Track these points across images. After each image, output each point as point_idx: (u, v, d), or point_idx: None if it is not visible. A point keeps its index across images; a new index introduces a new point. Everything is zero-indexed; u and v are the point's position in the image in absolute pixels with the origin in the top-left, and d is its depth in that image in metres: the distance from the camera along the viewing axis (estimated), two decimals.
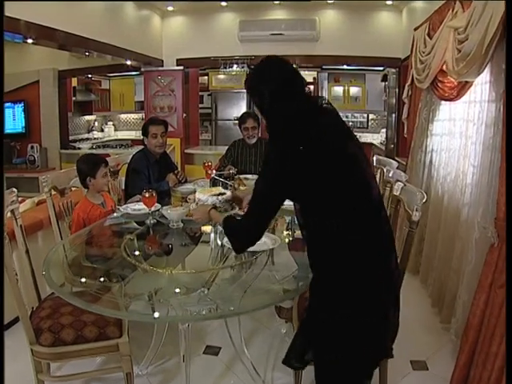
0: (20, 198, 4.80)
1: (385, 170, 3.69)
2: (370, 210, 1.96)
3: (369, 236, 1.93)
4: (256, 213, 2.16)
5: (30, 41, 5.09)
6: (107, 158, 4.28)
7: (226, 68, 8.02)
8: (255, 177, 4.62)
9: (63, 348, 2.51)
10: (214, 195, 2.76)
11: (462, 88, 3.67)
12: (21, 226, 2.83)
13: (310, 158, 1.89)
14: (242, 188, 3.61)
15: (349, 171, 1.94)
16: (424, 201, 2.38)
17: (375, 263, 1.93)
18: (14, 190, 2.86)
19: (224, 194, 2.80)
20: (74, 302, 2.27)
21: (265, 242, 2.73)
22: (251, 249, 2.61)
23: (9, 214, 2.75)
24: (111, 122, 11.84)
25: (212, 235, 2.99)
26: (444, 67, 4.03)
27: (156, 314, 2.18)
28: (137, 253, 2.87)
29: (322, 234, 1.97)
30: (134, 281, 2.58)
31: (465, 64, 3.25)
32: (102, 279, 2.60)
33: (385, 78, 9.17)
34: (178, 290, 2.46)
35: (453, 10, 3.82)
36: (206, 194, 2.75)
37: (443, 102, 4.46)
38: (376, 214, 1.98)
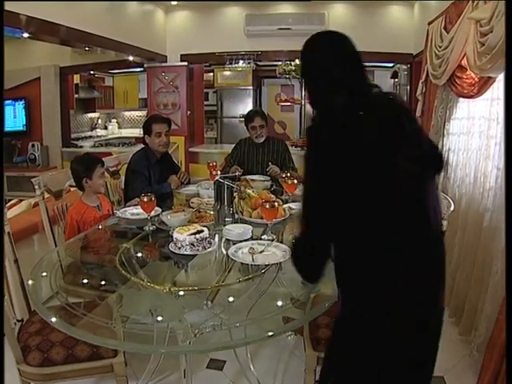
0: (16, 200, 4.68)
1: None
2: (418, 234, 1.68)
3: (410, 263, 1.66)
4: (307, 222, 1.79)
5: (25, 35, 4.89)
6: (108, 157, 4.12)
7: (231, 64, 7.80)
8: (262, 178, 4.46)
9: (53, 368, 2.33)
10: (192, 234, 2.56)
11: (484, 84, 3.45)
12: (8, 233, 2.62)
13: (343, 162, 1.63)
14: (248, 190, 3.40)
15: (388, 188, 1.65)
16: (452, 209, 2.16)
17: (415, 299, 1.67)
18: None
19: (202, 231, 2.59)
20: (58, 326, 2.04)
21: (274, 252, 2.52)
22: (258, 262, 2.42)
23: None
24: (115, 120, 11.68)
25: (216, 243, 2.76)
26: (463, 62, 3.82)
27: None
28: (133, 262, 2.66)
29: (352, 253, 1.72)
30: (129, 296, 2.36)
31: (489, 58, 3.04)
32: (97, 290, 2.42)
33: (394, 75, 8.97)
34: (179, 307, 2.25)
35: (473, 1, 3.60)
36: (183, 234, 2.55)
37: (461, 100, 4.25)
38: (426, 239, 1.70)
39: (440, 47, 4.46)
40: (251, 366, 3.07)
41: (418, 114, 5.49)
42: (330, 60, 1.81)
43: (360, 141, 1.65)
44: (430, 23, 5.13)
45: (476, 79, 3.62)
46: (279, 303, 2.24)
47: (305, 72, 1.98)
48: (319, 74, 1.83)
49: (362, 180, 1.63)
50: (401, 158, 1.66)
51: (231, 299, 2.29)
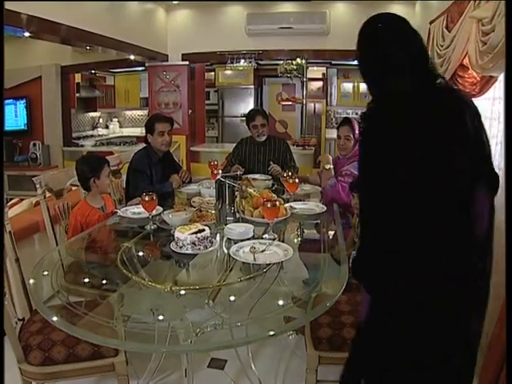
0: (17, 199, 4.68)
1: None
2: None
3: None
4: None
5: (27, 34, 4.88)
6: (109, 156, 4.11)
7: (232, 63, 7.80)
8: (264, 177, 4.45)
9: (54, 367, 2.31)
10: (193, 233, 2.55)
11: (486, 83, 3.43)
12: (10, 232, 2.62)
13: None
14: (249, 189, 3.40)
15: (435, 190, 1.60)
16: None
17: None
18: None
19: (203, 230, 2.58)
20: (59, 325, 2.02)
21: (275, 252, 2.52)
22: (260, 261, 2.42)
23: None
24: (116, 119, 11.68)
25: (217, 242, 2.76)
26: (465, 61, 3.81)
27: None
28: (135, 261, 2.65)
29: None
30: (130, 295, 2.36)
31: (491, 57, 3.03)
32: (98, 289, 2.42)
33: None
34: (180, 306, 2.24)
35: (475, 0, 3.59)
36: (184, 233, 2.54)
37: None
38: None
39: (441, 46, 4.44)
40: (252, 366, 3.05)
41: None
42: (392, 45, 1.74)
43: (416, 135, 1.61)
44: (431, 22, 5.12)
45: (478, 78, 3.60)
46: (280, 302, 2.23)
47: (364, 56, 1.88)
48: (379, 59, 1.77)
49: (411, 172, 1.59)
50: (455, 158, 1.62)
51: (232, 298, 2.28)
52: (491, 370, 2.64)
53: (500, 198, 3.18)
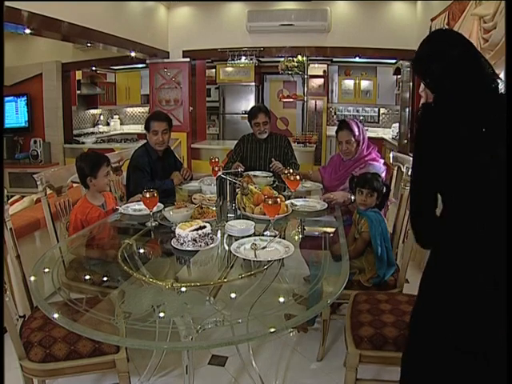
0: (18, 196, 4.68)
1: (403, 168, 3.46)
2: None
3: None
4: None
5: (27, 31, 4.87)
6: (110, 153, 4.08)
7: (233, 60, 7.79)
8: (265, 174, 4.45)
9: (55, 364, 2.30)
10: (194, 230, 2.54)
11: None
12: (10, 229, 2.61)
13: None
14: (250, 186, 3.39)
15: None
16: None
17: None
18: (4, 189, 2.64)
19: (204, 227, 2.58)
20: (60, 322, 2.02)
21: (276, 249, 2.52)
22: (261, 258, 2.42)
23: None
24: (117, 116, 11.68)
25: (218, 239, 2.75)
26: None
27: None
28: (136, 257, 2.65)
29: None
30: (131, 292, 2.35)
31: (492, 54, 3.04)
32: (99, 286, 2.43)
33: (397, 72, 8.96)
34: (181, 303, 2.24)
35: None
36: (185, 229, 2.54)
37: None
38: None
39: None
40: (253, 362, 3.03)
41: None
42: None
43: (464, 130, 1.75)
44: (432, 19, 5.12)
45: None
46: (281, 299, 2.23)
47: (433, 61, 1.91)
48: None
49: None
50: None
51: (233, 295, 2.27)
52: None
53: None
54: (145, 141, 4.36)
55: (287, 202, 3.45)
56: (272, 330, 1.91)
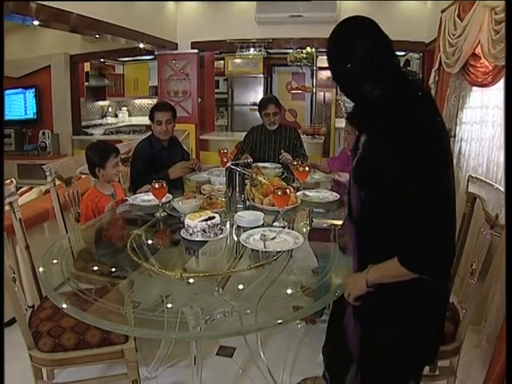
0: (27, 187, 4.69)
1: None
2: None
3: None
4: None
5: (36, 23, 4.86)
6: (119, 145, 4.07)
7: (242, 51, 7.75)
8: (274, 165, 4.43)
9: (64, 354, 2.31)
10: (204, 220, 2.53)
11: (499, 73, 3.40)
12: (20, 219, 2.62)
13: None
14: (259, 177, 3.38)
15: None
16: None
17: None
18: (13, 180, 2.64)
19: (213, 217, 2.56)
20: (69, 311, 2.04)
21: (285, 239, 2.50)
22: (270, 249, 2.41)
23: (7, 207, 2.54)
24: (125, 108, 11.66)
25: (227, 230, 2.75)
26: (477, 50, 3.77)
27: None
28: (145, 248, 2.65)
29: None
30: (140, 281, 2.35)
31: (503, 46, 2.99)
32: (108, 276, 2.42)
33: (407, 64, 8.88)
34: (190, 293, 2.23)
35: None
36: (194, 220, 2.52)
37: (474, 88, 4.20)
38: None
39: (453, 35, 4.39)
40: (261, 353, 3.04)
41: None
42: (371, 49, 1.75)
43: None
44: (443, 11, 5.06)
45: (490, 68, 3.57)
46: (289, 291, 2.22)
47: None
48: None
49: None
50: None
51: (242, 286, 2.27)
52: (500, 362, 2.62)
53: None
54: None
55: (299, 192, 3.44)
56: (279, 321, 1.91)
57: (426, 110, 1.67)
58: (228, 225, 2.84)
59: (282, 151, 4.61)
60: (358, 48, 1.72)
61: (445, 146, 1.68)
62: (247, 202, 3.21)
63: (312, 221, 3.35)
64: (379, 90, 1.76)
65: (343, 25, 1.80)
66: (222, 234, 2.61)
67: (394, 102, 1.69)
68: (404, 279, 1.66)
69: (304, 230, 2.99)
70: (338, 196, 3.45)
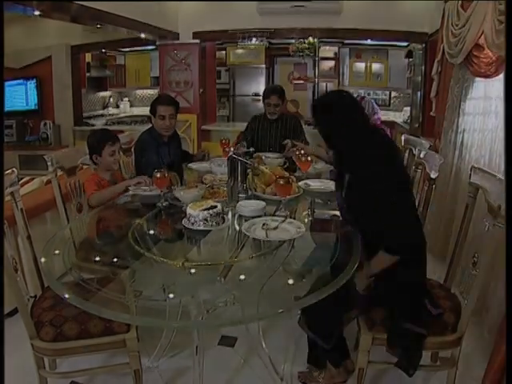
0: (28, 177, 4.68)
1: (415, 151, 3.42)
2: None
3: None
4: None
5: (37, 13, 4.84)
6: (121, 135, 4.04)
7: (244, 42, 7.71)
8: (276, 155, 4.41)
9: (65, 343, 2.32)
10: (205, 209, 2.52)
11: (502, 63, 3.37)
12: (21, 209, 2.61)
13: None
14: (261, 167, 3.37)
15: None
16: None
17: None
18: (15, 170, 2.63)
19: (215, 206, 2.55)
20: (71, 301, 2.03)
21: (287, 229, 2.49)
22: (272, 238, 2.40)
23: (8, 197, 2.53)
24: (127, 98, 11.61)
25: (229, 219, 2.74)
26: (481, 41, 3.75)
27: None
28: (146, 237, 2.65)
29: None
30: (142, 270, 2.35)
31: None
32: (110, 266, 2.45)
33: (409, 55, 8.84)
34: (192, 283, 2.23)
35: None
36: (196, 209, 2.51)
37: (477, 79, 4.18)
38: None
39: (457, 25, 4.36)
40: (263, 343, 3.04)
41: (432, 93, 5.42)
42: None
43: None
44: (446, 1, 5.02)
45: (493, 58, 3.55)
46: (290, 281, 2.22)
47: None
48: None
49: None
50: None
51: (243, 276, 2.27)
52: (501, 353, 2.61)
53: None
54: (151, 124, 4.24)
55: (301, 182, 3.43)
56: (281, 310, 1.91)
57: (387, 150, 2.43)
58: (230, 214, 2.84)
59: (287, 140, 4.56)
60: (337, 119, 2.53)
61: (401, 169, 2.52)
62: (249, 192, 3.20)
63: (314, 211, 3.34)
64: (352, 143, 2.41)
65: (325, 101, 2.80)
66: (223, 223, 2.60)
67: (366, 150, 2.37)
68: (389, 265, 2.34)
69: (305, 220, 2.98)
70: None
